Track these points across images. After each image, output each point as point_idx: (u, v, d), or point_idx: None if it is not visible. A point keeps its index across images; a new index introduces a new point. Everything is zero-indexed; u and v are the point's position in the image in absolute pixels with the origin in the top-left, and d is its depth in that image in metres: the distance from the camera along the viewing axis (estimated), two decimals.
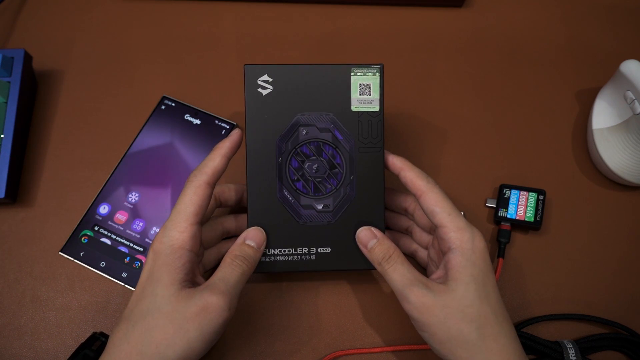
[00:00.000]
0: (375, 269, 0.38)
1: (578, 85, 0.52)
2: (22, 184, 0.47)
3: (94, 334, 0.40)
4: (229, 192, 0.42)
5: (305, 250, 0.40)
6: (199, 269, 0.38)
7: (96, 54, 0.53)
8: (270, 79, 0.39)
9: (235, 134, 0.39)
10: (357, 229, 0.39)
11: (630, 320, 0.43)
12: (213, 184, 0.37)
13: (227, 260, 0.36)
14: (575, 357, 0.39)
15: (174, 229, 0.35)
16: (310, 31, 0.55)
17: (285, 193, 0.39)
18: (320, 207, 0.39)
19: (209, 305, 0.33)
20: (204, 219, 0.38)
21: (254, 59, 0.53)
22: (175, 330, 0.33)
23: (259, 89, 0.39)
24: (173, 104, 0.49)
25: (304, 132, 0.39)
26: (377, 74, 0.39)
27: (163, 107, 0.49)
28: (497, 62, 0.54)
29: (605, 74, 0.52)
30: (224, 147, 0.38)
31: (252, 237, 0.38)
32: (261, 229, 0.39)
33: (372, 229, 0.39)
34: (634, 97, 0.43)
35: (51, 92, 0.51)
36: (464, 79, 0.53)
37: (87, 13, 0.55)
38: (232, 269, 0.36)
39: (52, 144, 0.49)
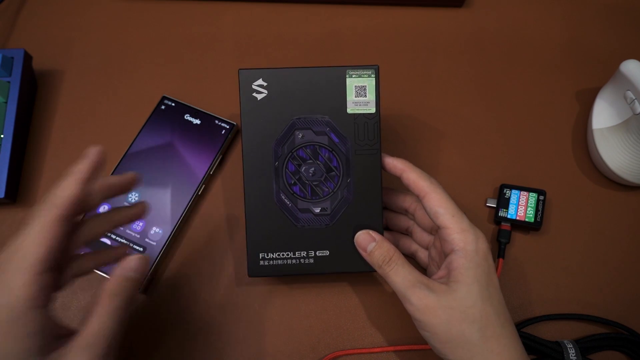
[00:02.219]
0: (374, 270, 0.38)
1: (578, 85, 0.52)
2: (22, 184, 0.47)
3: None
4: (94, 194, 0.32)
5: (303, 253, 0.40)
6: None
7: (96, 54, 0.53)
8: (265, 83, 0.39)
9: (93, 152, 0.31)
10: (356, 232, 0.39)
11: (630, 320, 0.43)
12: (68, 217, 0.29)
13: (99, 309, 0.29)
14: (575, 357, 0.39)
15: (15, 283, 0.26)
16: (310, 31, 0.55)
17: (282, 197, 0.39)
18: (317, 210, 0.39)
19: None
20: (57, 263, 0.29)
21: (254, 59, 0.53)
22: None
23: (254, 94, 0.39)
24: (173, 104, 0.49)
25: (300, 135, 0.39)
26: (373, 76, 0.39)
27: (163, 107, 0.49)
28: (497, 62, 0.54)
29: (605, 74, 0.52)
30: (79, 170, 0.30)
31: (133, 268, 0.31)
32: (141, 256, 0.32)
33: (370, 232, 0.39)
34: (634, 97, 0.43)
35: (51, 92, 0.51)
36: (464, 79, 0.53)
37: (87, 13, 0.55)
38: (108, 317, 0.28)
39: (52, 144, 0.49)
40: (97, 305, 0.29)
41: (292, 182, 0.39)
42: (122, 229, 0.45)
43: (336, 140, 0.39)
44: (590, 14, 0.56)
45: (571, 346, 0.40)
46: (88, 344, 0.27)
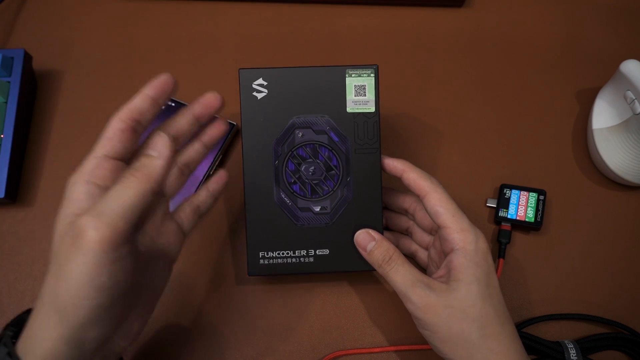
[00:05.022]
0: (374, 270, 0.38)
1: (578, 85, 0.52)
2: (22, 184, 0.47)
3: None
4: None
5: (303, 252, 0.40)
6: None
7: (96, 54, 0.53)
8: (265, 83, 0.39)
9: (163, 76, 0.33)
10: (355, 231, 0.39)
11: (631, 319, 0.43)
12: (134, 125, 0.32)
13: (120, 179, 0.28)
14: (576, 357, 0.39)
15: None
16: (310, 31, 0.55)
17: (283, 196, 0.39)
18: (317, 209, 0.39)
19: (81, 232, 0.25)
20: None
21: (254, 59, 0.53)
22: (59, 282, 0.26)
23: (254, 93, 0.39)
24: (173, 104, 0.49)
25: (300, 134, 0.39)
26: (372, 75, 0.39)
27: (163, 107, 0.49)
28: (497, 62, 0.54)
29: (605, 74, 0.52)
30: (146, 87, 0.33)
31: (154, 146, 0.31)
32: (164, 134, 0.32)
33: (370, 231, 0.39)
34: (634, 97, 0.43)
35: (51, 92, 0.51)
36: (464, 79, 0.53)
37: (87, 13, 0.55)
38: (122, 188, 0.28)
39: (52, 144, 0.49)
40: (116, 181, 0.28)
41: (292, 181, 0.39)
42: None
43: (336, 139, 0.39)
44: (590, 13, 0.56)
45: (572, 346, 0.40)
46: (100, 211, 0.26)
